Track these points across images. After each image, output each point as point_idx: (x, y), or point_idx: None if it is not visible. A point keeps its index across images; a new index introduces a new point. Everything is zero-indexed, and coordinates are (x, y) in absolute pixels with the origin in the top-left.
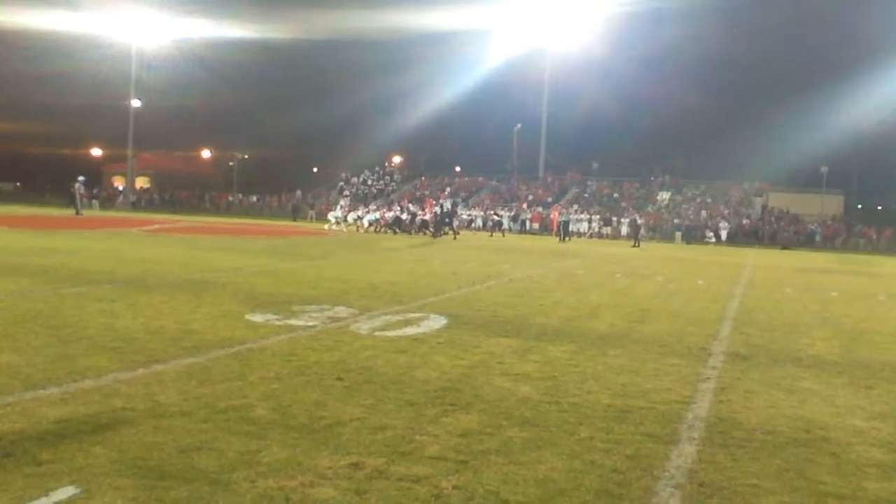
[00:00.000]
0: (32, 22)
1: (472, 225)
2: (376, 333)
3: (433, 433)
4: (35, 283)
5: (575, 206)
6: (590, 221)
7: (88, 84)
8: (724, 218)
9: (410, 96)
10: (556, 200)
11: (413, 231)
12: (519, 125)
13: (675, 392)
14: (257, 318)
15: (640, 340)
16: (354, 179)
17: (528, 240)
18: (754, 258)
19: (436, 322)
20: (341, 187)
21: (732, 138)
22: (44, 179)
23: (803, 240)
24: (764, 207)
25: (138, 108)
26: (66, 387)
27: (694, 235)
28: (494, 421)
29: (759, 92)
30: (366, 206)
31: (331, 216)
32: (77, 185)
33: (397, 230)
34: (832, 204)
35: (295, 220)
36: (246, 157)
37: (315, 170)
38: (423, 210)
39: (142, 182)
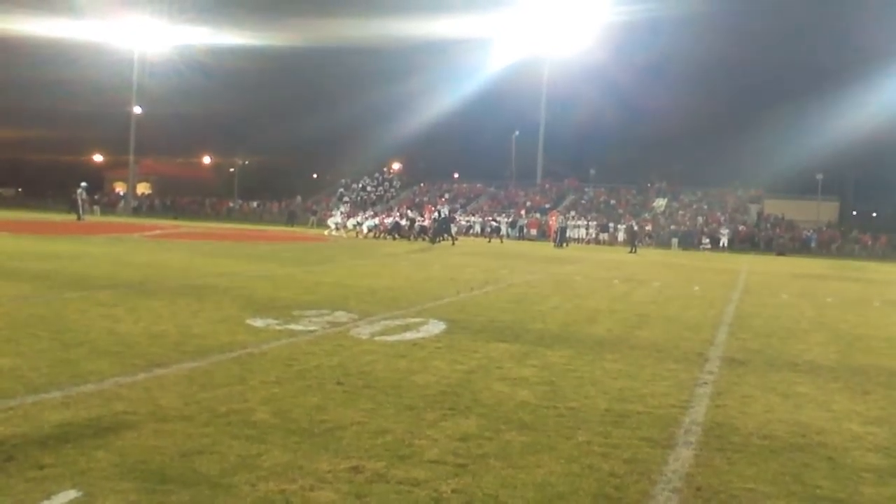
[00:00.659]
0: (35, 29)
1: (471, 231)
2: (376, 338)
3: (432, 437)
4: (37, 288)
5: (572, 213)
6: (587, 227)
7: (90, 91)
8: (722, 224)
9: (409, 103)
10: (554, 207)
11: (412, 237)
12: (517, 132)
13: (672, 397)
14: (258, 322)
15: (637, 345)
16: (354, 186)
17: (526, 246)
18: (750, 264)
19: (435, 327)
20: (341, 193)
21: (729, 145)
22: (45, 185)
23: (799, 246)
24: (760, 214)
25: (140, 114)
26: (67, 391)
27: (690, 242)
28: (493, 425)
29: (755, 99)
30: (365, 212)
31: (330, 222)
32: (80, 191)
33: (396, 236)
34: (828, 210)
35: (292, 225)
36: (246, 163)
37: (315, 176)
38: (422, 216)
39: (143, 188)
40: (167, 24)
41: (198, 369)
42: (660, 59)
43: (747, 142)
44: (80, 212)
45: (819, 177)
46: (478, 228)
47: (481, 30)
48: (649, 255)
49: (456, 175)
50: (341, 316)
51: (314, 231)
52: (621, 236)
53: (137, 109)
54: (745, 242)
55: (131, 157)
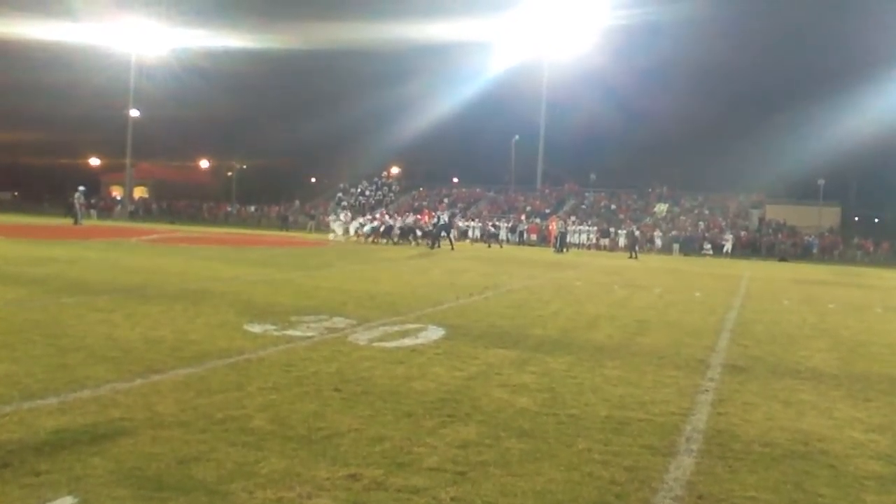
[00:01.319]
0: (32, 32)
1: (470, 235)
2: (374, 344)
3: (431, 444)
4: (33, 293)
5: (573, 218)
6: (588, 233)
7: (87, 94)
8: (723, 230)
9: (409, 107)
10: (554, 212)
11: (412, 241)
12: (517, 136)
13: (673, 404)
14: (255, 328)
15: (637, 352)
16: (353, 190)
17: (525, 251)
18: (752, 270)
19: (434, 333)
20: (339, 198)
21: (730, 150)
22: (42, 189)
23: (801, 252)
24: (761, 219)
25: (137, 118)
26: (64, 397)
27: (692, 247)
28: (492, 432)
29: (756, 104)
30: (364, 216)
31: (334, 226)
32: (77, 195)
33: (396, 240)
34: (829, 216)
35: (287, 230)
36: (244, 167)
37: (313, 180)
38: (420, 220)
39: (140, 192)
40: (164, 28)
41: (195, 375)
42: (660, 64)
43: (749, 146)
44: (78, 216)
45: (821, 182)
46: (477, 233)
47: (481, 34)
48: (650, 260)
49: (455, 179)
50: (339, 321)
51: (313, 236)
52: (622, 241)
53: (134, 113)
54: (746, 248)
55: (128, 161)
